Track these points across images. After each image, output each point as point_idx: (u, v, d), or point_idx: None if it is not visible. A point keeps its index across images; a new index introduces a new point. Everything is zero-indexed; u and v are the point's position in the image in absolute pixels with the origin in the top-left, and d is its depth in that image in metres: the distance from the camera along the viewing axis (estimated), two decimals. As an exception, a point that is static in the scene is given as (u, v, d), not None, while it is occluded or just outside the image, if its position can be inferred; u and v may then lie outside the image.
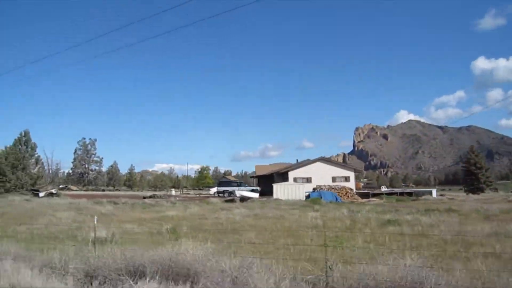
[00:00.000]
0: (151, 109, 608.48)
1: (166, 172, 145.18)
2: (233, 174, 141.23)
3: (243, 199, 36.65)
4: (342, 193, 39.48)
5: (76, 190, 76.54)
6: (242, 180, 53.71)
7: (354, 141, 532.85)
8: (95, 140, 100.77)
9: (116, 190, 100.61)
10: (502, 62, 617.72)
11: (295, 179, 45.59)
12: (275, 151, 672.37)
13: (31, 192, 47.48)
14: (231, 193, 45.75)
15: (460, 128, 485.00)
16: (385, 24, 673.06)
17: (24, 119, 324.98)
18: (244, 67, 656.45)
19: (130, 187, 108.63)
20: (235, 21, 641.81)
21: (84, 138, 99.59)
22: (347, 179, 45.59)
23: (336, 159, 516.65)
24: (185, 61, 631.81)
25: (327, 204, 31.78)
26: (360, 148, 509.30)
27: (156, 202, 35.44)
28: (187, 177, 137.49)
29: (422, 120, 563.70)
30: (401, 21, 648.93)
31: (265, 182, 54.72)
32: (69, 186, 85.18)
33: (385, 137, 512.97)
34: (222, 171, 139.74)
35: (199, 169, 71.39)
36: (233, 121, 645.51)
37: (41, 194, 44.71)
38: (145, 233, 14.79)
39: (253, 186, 49.51)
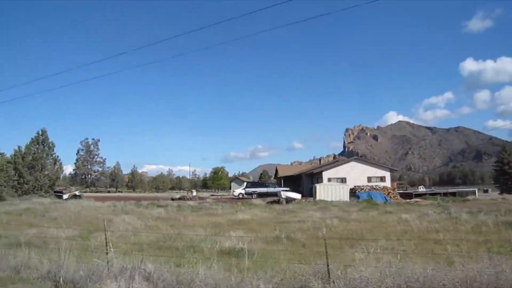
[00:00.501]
0: (139, 111, 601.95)
1: (155, 174, 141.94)
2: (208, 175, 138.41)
3: (288, 200, 35.00)
4: (385, 194, 38.13)
5: (84, 192, 73.65)
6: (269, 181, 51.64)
7: (344, 142, 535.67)
8: (98, 140, 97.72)
9: (119, 191, 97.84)
10: (490, 63, 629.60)
11: (329, 179, 44.14)
12: (265, 152, 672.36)
13: (54, 194, 44.92)
14: (270, 194, 44.14)
15: (449, 129, 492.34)
16: (375, 26, 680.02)
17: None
18: (234, 68, 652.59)
19: (132, 188, 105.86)
20: (223, 24, 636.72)
21: (87, 138, 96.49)
22: (382, 179, 44.32)
23: (327, 160, 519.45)
24: (174, 62, 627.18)
25: (387, 205, 30.39)
26: (350, 149, 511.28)
27: (199, 204, 33.62)
28: (193, 178, 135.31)
29: (411, 121, 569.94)
30: (390, 23, 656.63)
31: (290, 183, 53.32)
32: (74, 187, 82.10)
33: (375, 138, 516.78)
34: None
35: (213, 170, 69.39)
36: (223, 123, 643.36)
37: (65, 196, 42.24)
38: (273, 243, 13.04)
39: (284, 187, 47.82)
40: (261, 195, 45.14)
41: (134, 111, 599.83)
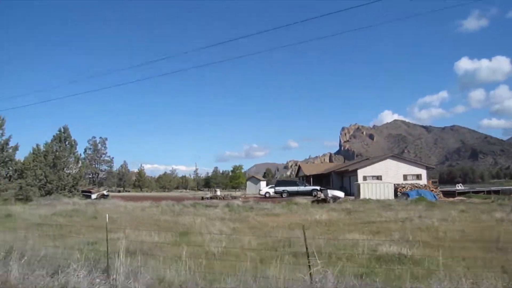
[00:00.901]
0: (135, 110, 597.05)
1: (150, 173, 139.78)
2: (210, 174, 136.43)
3: (335, 199, 33.71)
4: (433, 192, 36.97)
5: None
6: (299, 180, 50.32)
7: (340, 141, 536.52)
8: (106, 139, 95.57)
9: (126, 191, 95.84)
10: (485, 62, 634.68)
11: (364, 177, 42.88)
12: (260, 151, 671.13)
13: (82, 194, 43.11)
14: (300, 193, 42.82)
15: (444, 128, 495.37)
16: (369, 25, 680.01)
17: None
18: (229, 67, 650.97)
19: (140, 187, 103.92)
20: (221, 22, 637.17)
21: (95, 137, 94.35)
22: (418, 177, 43.17)
23: (323, 159, 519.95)
24: (168, 60, 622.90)
25: (444, 204, 29.21)
26: (346, 148, 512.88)
27: (244, 203, 32.14)
28: (195, 178, 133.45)
29: (407, 120, 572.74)
30: (385, 22, 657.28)
31: (318, 181, 52.11)
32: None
33: (371, 137, 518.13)
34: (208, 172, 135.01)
35: (232, 168, 67.94)
36: (217, 122, 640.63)
37: (93, 196, 40.54)
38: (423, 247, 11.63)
39: (314, 186, 46.51)
40: (291, 193, 43.82)
41: (128, 110, 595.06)
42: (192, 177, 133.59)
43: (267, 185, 47.06)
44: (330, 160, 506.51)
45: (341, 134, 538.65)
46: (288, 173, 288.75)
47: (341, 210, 26.35)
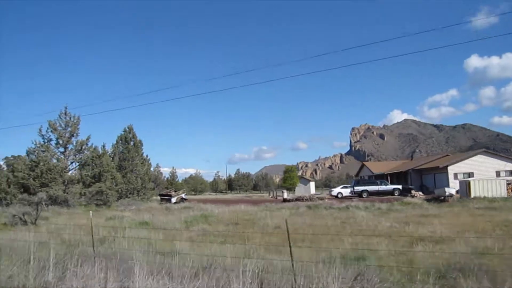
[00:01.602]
0: (145, 113, 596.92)
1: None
2: (232, 176, 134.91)
3: (450, 196, 31.01)
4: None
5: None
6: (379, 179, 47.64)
7: (350, 141, 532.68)
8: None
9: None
10: (495, 60, 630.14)
11: (455, 175, 40.12)
12: (269, 152, 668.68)
13: (160, 197, 40.61)
14: (381, 192, 40.22)
15: (455, 126, 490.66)
16: (377, 24, 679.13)
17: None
18: (238, 68, 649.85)
19: (174, 190, 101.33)
20: (230, 22, 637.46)
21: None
22: (512, 173, 40.39)
23: (334, 160, 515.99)
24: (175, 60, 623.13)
25: None
26: (357, 148, 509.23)
27: (351, 204, 29.42)
28: (217, 180, 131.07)
29: (417, 119, 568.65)
30: (392, 21, 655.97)
31: (395, 179, 49.53)
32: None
33: (381, 136, 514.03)
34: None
35: (285, 169, 65.50)
36: (227, 125, 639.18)
37: (173, 200, 37.90)
38: None
39: (395, 185, 43.78)
40: (371, 193, 41.19)
41: (140, 113, 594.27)
42: (222, 178, 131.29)
43: (353, 185, 44.38)
44: (341, 161, 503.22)
45: (351, 134, 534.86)
46: (299, 173, 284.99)
47: (486, 209, 23.80)
